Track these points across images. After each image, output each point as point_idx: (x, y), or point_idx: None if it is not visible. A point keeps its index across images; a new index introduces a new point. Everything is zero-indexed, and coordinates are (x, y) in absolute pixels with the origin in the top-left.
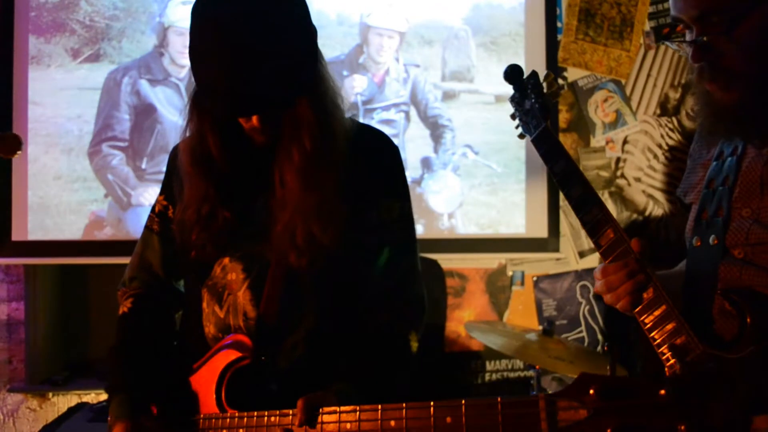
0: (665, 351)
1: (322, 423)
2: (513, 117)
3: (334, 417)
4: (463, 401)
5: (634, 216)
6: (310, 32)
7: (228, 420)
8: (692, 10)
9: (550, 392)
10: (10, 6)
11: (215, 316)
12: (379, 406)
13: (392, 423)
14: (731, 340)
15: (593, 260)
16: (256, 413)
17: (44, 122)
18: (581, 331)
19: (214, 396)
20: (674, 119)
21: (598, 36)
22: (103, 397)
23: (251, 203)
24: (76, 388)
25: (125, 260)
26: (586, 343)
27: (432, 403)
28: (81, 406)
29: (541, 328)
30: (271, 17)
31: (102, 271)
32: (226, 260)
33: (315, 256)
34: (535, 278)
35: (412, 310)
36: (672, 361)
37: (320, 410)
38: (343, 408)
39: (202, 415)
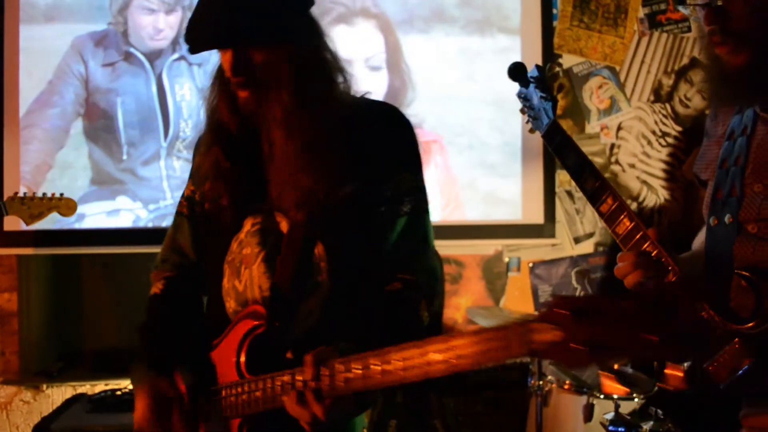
0: None
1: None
2: (522, 112)
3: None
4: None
5: (628, 202)
6: None
7: (246, 385)
8: None
9: (549, 376)
10: None
11: (235, 291)
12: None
13: (391, 365)
14: (749, 317)
15: (588, 246)
16: (268, 375)
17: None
18: None
19: (234, 364)
20: (668, 106)
21: (593, 23)
22: (99, 388)
23: (258, 167)
24: (70, 380)
25: (119, 250)
26: None
27: (423, 342)
28: (78, 398)
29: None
30: None
31: (95, 261)
32: (242, 235)
33: (309, 207)
34: (531, 264)
35: (423, 280)
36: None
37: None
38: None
39: (219, 385)
